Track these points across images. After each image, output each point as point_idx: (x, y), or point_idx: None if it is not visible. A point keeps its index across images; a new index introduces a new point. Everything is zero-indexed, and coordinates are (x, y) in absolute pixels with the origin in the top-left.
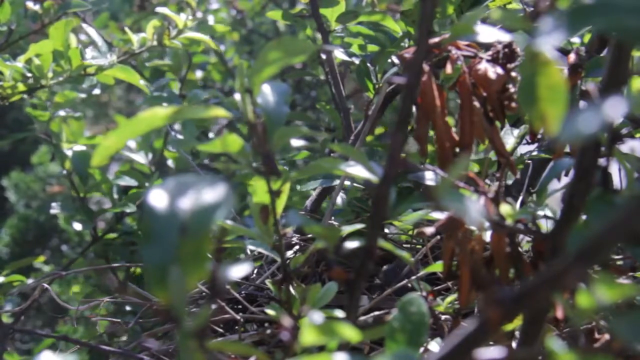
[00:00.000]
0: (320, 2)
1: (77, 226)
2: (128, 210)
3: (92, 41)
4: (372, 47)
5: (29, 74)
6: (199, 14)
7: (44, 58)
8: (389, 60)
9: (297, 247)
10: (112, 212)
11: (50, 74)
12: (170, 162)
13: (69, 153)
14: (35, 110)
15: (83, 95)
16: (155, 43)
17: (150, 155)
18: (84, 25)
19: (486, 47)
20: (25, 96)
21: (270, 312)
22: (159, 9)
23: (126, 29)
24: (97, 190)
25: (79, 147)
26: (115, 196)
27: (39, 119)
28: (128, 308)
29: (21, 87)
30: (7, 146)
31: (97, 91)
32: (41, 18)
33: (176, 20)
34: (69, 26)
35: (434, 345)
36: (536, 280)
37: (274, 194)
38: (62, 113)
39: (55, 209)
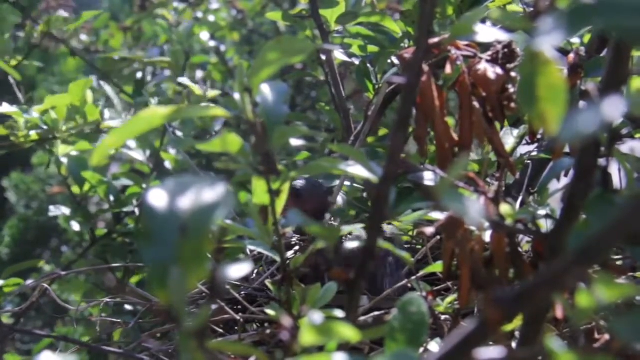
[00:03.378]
0: (320, 3)
1: (76, 226)
2: (127, 210)
3: (108, 98)
4: (372, 48)
5: (45, 127)
6: (199, 14)
7: (59, 111)
8: (389, 61)
9: (297, 247)
10: (112, 212)
11: (64, 128)
12: (167, 164)
13: (64, 160)
14: None
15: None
16: None
17: (148, 154)
18: (102, 83)
19: (486, 47)
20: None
21: (270, 312)
22: (181, 80)
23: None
24: (93, 193)
25: (74, 153)
26: (112, 198)
27: None
28: (129, 308)
29: (34, 136)
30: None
31: None
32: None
33: (194, 90)
34: (88, 84)
35: (434, 345)
36: (536, 280)
37: (274, 194)
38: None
39: (55, 211)
